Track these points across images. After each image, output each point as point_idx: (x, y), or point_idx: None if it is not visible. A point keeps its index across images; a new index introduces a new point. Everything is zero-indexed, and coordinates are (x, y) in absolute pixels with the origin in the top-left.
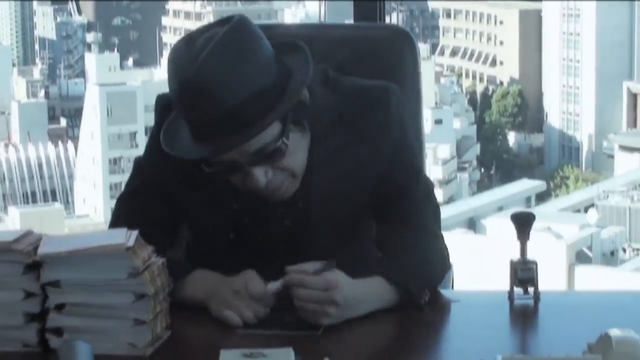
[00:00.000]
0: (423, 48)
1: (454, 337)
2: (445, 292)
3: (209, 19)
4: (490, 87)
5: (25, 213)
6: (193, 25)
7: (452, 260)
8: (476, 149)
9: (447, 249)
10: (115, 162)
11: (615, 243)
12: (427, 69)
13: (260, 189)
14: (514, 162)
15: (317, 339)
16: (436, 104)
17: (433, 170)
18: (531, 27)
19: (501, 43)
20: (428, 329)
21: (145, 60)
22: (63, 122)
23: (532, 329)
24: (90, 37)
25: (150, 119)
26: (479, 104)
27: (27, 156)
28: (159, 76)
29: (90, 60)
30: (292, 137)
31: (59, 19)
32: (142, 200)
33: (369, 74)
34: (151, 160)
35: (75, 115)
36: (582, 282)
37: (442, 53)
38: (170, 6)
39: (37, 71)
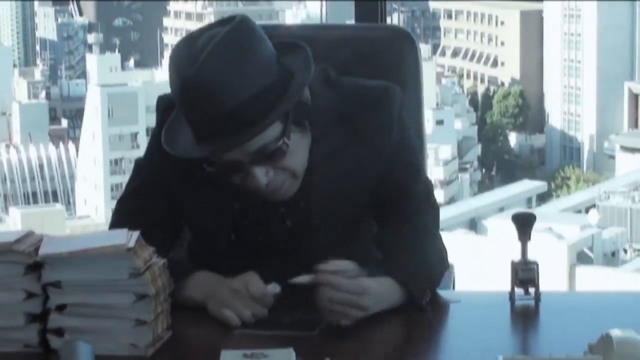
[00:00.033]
0: (424, 49)
1: (455, 338)
2: (446, 293)
3: (210, 19)
4: (492, 88)
5: (26, 214)
6: (194, 26)
7: (453, 260)
8: (477, 149)
9: (445, 249)
10: (116, 163)
11: (617, 244)
12: (428, 70)
13: (261, 188)
14: (515, 162)
15: (317, 340)
16: (437, 104)
17: (434, 171)
18: (532, 28)
19: (502, 44)
20: (429, 330)
21: (147, 61)
22: (64, 123)
23: (533, 330)
24: (91, 38)
25: (151, 120)
26: (480, 105)
27: (28, 157)
28: (160, 77)
29: (92, 61)
30: (293, 137)
31: (60, 20)
32: (142, 200)
33: (370, 74)
34: (152, 160)
35: (76, 116)
36: (583, 283)
37: (443, 54)
38: (172, 7)
39: (38, 72)
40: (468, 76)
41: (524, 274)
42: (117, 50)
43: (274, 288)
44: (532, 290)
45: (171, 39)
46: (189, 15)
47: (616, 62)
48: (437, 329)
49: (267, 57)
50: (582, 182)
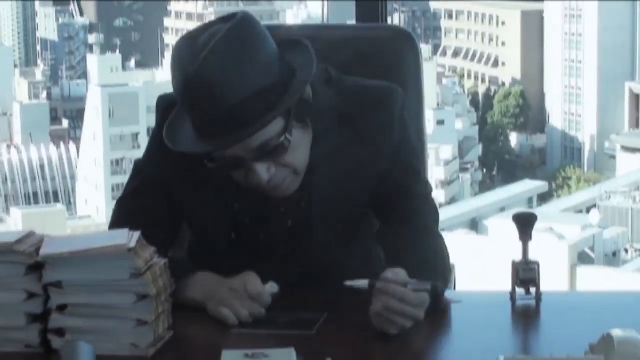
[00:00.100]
0: (425, 49)
1: (456, 338)
2: (447, 293)
3: (210, 20)
4: (493, 88)
5: (27, 214)
6: (195, 26)
7: (454, 260)
8: (478, 149)
9: (447, 249)
10: (117, 163)
11: (618, 244)
12: (429, 70)
13: (262, 185)
14: (516, 162)
15: (318, 339)
16: (438, 104)
17: (435, 171)
18: (533, 28)
19: (503, 44)
20: (430, 330)
21: (147, 61)
22: (65, 123)
23: (534, 330)
24: (92, 38)
25: (152, 120)
26: (481, 105)
27: (29, 157)
28: (161, 77)
29: (92, 61)
30: (295, 134)
31: (61, 20)
32: (142, 200)
33: (371, 74)
34: (152, 160)
35: (77, 117)
36: (584, 283)
37: (444, 54)
38: (172, 7)
39: (39, 72)
40: (469, 76)
41: (525, 274)
42: (118, 51)
43: (272, 288)
44: (533, 290)
45: (172, 40)
46: (189, 16)
47: (617, 62)
48: (438, 329)
49: (269, 54)
50: (583, 182)
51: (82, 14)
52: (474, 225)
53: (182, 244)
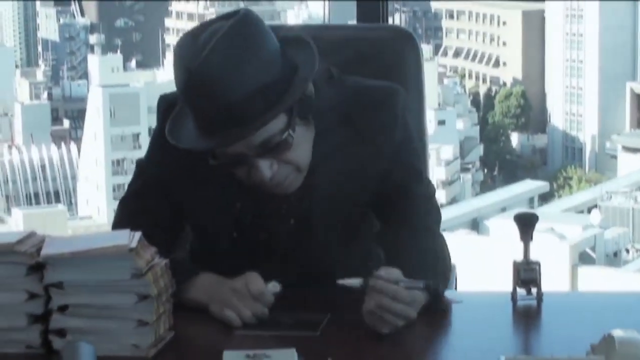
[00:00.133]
0: (426, 49)
1: (457, 338)
2: (448, 293)
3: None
4: (494, 88)
5: (28, 214)
6: None
7: (455, 261)
8: (479, 149)
9: (448, 250)
10: (118, 163)
11: (619, 244)
12: (430, 70)
13: (265, 182)
14: (517, 162)
15: (319, 340)
16: (439, 104)
17: (436, 171)
18: (534, 28)
19: (504, 44)
20: (431, 330)
21: (148, 61)
22: (66, 123)
23: (535, 330)
24: (93, 38)
25: (153, 121)
26: (482, 105)
27: (30, 158)
28: (162, 78)
29: (93, 61)
30: (297, 130)
31: (61, 21)
32: (144, 201)
33: (371, 74)
34: (153, 160)
35: (78, 117)
36: (585, 283)
37: (445, 54)
38: (173, 7)
39: (40, 73)
40: (470, 76)
41: (526, 274)
42: (118, 51)
43: (274, 287)
44: (534, 290)
45: (173, 40)
46: (190, 16)
47: (618, 62)
48: (439, 329)
49: (271, 51)
50: (584, 182)
51: (83, 14)
52: (475, 225)
53: (184, 245)
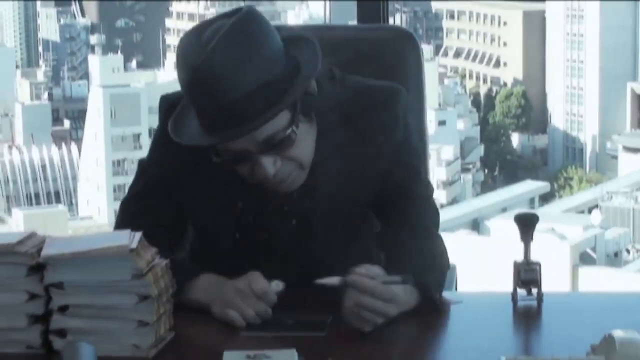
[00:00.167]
0: (426, 49)
1: (457, 338)
2: (448, 294)
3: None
4: (494, 88)
5: (29, 215)
6: None
7: (455, 261)
8: (480, 150)
9: (446, 251)
10: (118, 163)
11: (619, 244)
12: (431, 70)
13: (268, 179)
14: (517, 163)
15: (320, 340)
16: (440, 105)
17: (437, 172)
18: (535, 28)
19: (505, 44)
20: (431, 330)
21: (149, 62)
22: (67, 124)
23: (536, 330)
24: (93, 39)
25: (154, 121)
26: (483, 105)
27: (31, 158)
28: (162, 78)
29: (94, 62)
30: (300, 127)
31: (62, 21)
32: (146, 201)
33: (372, 75)
34: (155, 160)
35: (79, 117)
36: (586, 283)
37: (445, 54)
38: (174, 8)
39: (41, 73)
40: (470, 76)
41: (527, 274)
42: (119, 51)
43: (277, 286)
44: (534, 290)
45: (173, 40)
46: (191, 16)
47: (619, 63)
48: (440, 330)
49: (273, 48)
50: (585, 182)
51: (83, 14)
52: (476, 225)
53: (185, 245)
